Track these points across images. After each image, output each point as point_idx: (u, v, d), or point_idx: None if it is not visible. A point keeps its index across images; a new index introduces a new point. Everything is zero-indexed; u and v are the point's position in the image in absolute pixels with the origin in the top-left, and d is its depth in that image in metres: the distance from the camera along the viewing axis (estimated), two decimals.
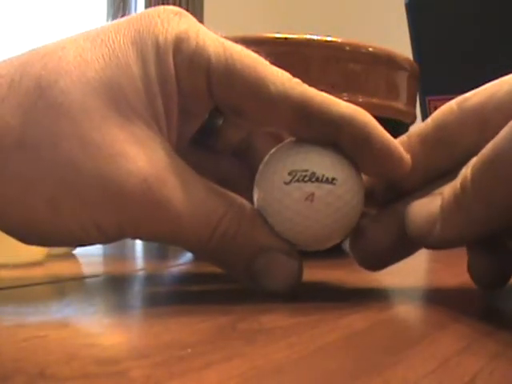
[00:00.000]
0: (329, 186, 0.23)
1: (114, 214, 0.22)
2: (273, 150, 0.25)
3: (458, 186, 0.20)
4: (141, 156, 0.21)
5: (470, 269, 0.24)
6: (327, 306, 0.23)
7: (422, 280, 0.32)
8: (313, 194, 0.23)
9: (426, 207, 0.22)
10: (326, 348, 0.17)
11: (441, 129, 0.24)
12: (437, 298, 0.26)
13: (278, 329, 0.19)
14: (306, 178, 0.23)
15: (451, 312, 0.22)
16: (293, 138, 0.24)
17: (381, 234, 0.25)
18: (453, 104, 0.24)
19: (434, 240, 0.22)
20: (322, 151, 0.23)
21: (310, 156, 0.23)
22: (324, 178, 0.23)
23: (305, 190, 0.23)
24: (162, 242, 0.24)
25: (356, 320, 0.21)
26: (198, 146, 0.28)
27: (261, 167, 0.25)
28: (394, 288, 0.29)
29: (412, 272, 0.33)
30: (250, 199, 0.24)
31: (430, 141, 0.24)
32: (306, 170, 0.23)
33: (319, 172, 0.23)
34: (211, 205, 0.23)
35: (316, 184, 0.23)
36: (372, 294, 0.26)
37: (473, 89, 0.25)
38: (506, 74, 0.24)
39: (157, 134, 0.22)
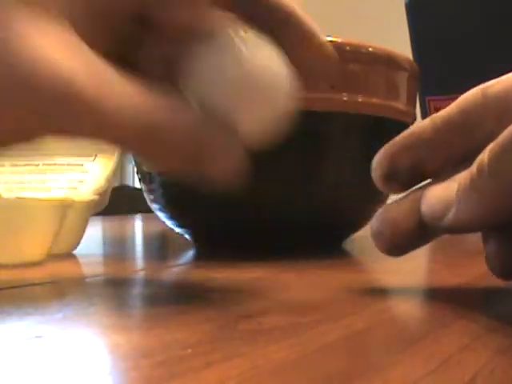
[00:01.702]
0: (252, 45, 0.23)
1: (35, 114, 0.21)
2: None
3: (475, 170, 0.21)
4: (62, 58, 0.21)
5: (487, 259, 0.24)
6: (327, 306, 0.23)
7: (422, 280, 0.32)
8: (238, 49, 0.23)
9: (442, 191, 0.23)
10: (325, 348, 0.17)
11: (464, 114, 0.24)
12: (437, 298, 0.26)
13: (278, 329, 0.19)
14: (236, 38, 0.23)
15: (451, 312, 0.22)
16: None
17: (401, 218, 0.25)
18: (477, 90, 0.24)
19: (448, 223, 0.22)
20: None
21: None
22: (248, 37, 0.23)
23: (231, 45, 0.23)
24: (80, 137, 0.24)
25: (356, 320, 0.21)
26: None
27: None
28: (394, 288, 0.29)
29: (412, 272, 0.33)
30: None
31: (454, 125, 0.25)
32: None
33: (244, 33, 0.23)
34: (142, 102, 0.22)
35: (241, 40, 0.23)
36: (372, 294, 0.26)
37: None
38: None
39: (76, 36, 0.22)
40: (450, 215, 0.22)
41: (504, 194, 0.20)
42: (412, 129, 0.25)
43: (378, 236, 0.25)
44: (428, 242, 0.25)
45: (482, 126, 0.24)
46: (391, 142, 0.26)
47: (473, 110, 0.24)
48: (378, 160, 0.26)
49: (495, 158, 0.20)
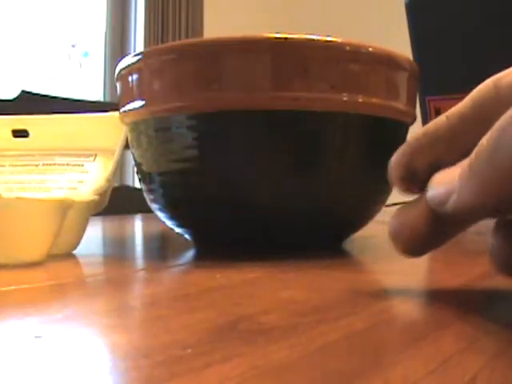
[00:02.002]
0: None
1: None
2: None
3: (474, 154, 0.21)
4: None
5: (491, 254, 0.24)
6: (327, 306, 0.23)
7: (422, 280, 0.32)
8: None
9: (446, 176, 0.23)
10: (326, 348, 0.17)
11: (478, 107, 0.24)
12: (437, 298, 0.26)
13: (278, 329, 0.19)
14: None
15: (451, 312, 0.22)
16: None
17: (418, 219, 0.24)
18: (489, 82, 0.24)
19: (451, 207, 0.22)
20: None
21: None
22: None
23: None
24: None
25: (356, 320, 0.21)
26: None
27: None
28: (394, 288, 0.29)
29: (412, 272, 0.33)
30: None
31: (469, 119, 0.25)
32: None
33: None
34: None
35: None
36: (372, 294, 0.26)
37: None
38: None
39: None
40: (453, 199, 0.22)
41: (503, 177, 0.20)
42: (426, 127, 0.25)
43: (396, 238, 0.25)
44: (447, 241, 0.25)
45: (497, 118, 0.24)
46: (406, 143, 0.25)
47: (486, 102, 0.24)
48: (395, 162, 0.25)
49: (493, 142, 0.20)
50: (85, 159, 0.44)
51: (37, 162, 0.44)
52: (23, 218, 0.32)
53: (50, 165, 0.44)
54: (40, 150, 0.45)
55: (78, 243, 0.39)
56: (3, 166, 0.44)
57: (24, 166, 0.44)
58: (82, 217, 0.39)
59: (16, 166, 0.44)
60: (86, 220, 0.39)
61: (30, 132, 0.46)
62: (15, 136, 0.46)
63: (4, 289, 0.26)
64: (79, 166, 0.43)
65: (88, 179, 0.42)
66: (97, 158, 0.43)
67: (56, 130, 0.46)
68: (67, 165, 0.43)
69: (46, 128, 0.46)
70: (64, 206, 0.34)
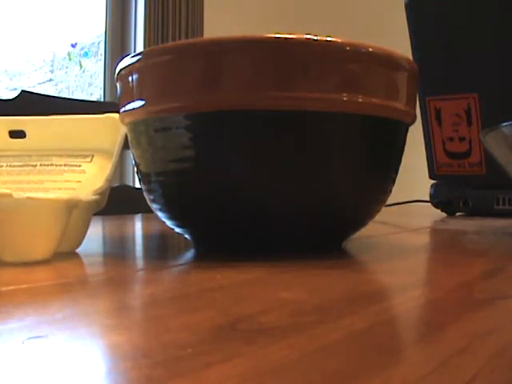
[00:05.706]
0: None
1: None
2: None
3: None
4: None
5: None
6: (327, 306, 0.23)
7: (422, 280, 0.32)
8: None
9: None
10: (325, 348, 0.17)
11: None
12: (437, 298, 0.26)
13: (278, 329, 0.19)
14: None
15: (451, 312, 0.22)
16: None
17: None
18: None
19: None
20: None
21: None
22: None
23: None
24: None
25: (356, 320, 0.21)
26: None
27: None
28: (394, 288, 0.29)
29: (412, 272, 0.33)
30: None
31: None
32: None
33: None
34: None
35: None
36: (372, 294, 0.26)
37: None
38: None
39: None
40: None
41: None
42: None
43: None
44: None
45: None
46: None
47: None
48: None
49: None
50: (82, 160, 0.44)
51: (34, 163, 0.44)
52: (34, 218, 0.33)
53: (48, 165, 0.44)
54: (37, 151, 0.45)
55: (81, 242, 0.39)
56: (1, 166, 0.44)
57: (21, 166, 0.44)
58: (86, 216, 0.39)
59: (14, 166, 0.44)
60: (88, 219, 0.39)
61: (26, 132, 0.46)
62: (12, 136, 0.46)
63: (4, 289, 0.26)
64: (76, 166, 0.43)
65: (86, 179, 0.42)
66: (93, 159, 0.44)
67: (53, 130, 0.46)
68: (64, 165, 0.43)
69: (42, 128, 0.46)
70: (71, 205, 0.35)
